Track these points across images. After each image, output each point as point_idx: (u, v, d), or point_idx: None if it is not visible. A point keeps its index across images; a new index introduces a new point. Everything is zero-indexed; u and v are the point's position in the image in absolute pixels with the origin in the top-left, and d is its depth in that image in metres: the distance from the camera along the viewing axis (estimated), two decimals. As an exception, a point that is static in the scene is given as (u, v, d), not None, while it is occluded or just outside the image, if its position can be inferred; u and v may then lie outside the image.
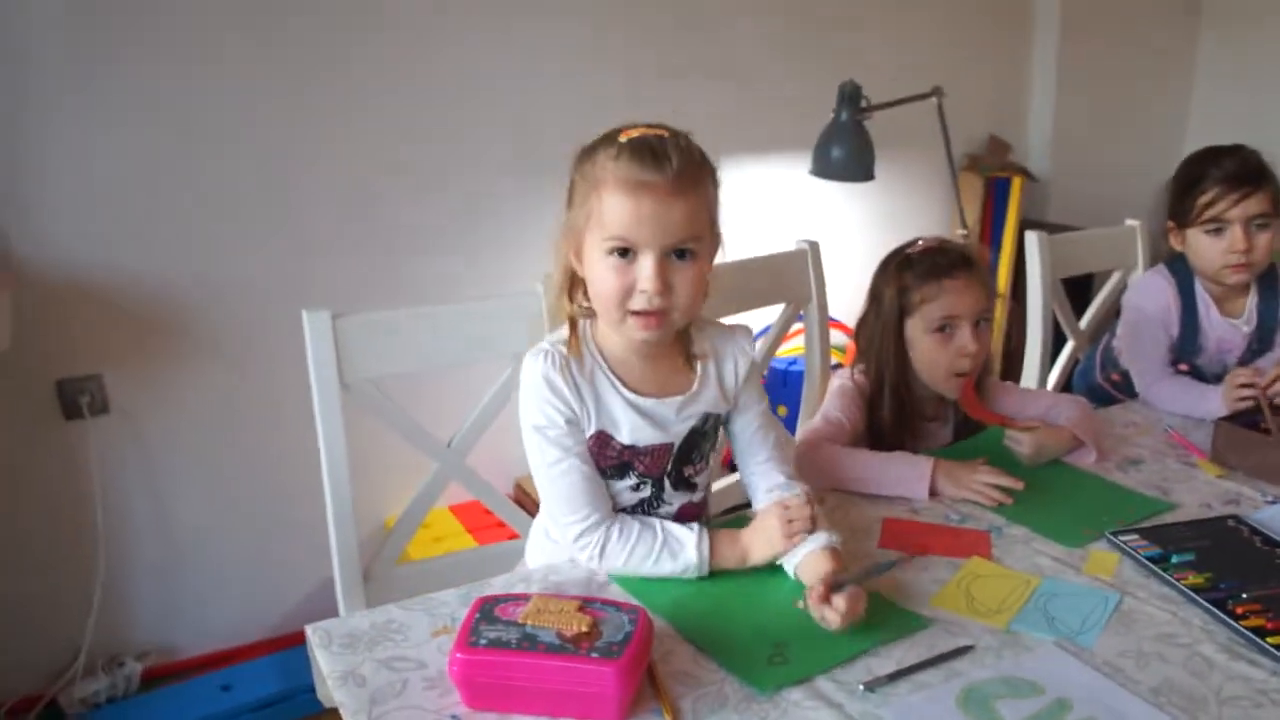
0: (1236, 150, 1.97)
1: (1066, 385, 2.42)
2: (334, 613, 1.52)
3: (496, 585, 1.31)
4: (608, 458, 1.34)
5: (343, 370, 1.56)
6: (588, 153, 1.28)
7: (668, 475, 1.39)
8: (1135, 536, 1.46)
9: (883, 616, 1.24)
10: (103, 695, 2.43)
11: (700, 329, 1.40)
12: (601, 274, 1.26)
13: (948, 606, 1.28)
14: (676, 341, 1.38)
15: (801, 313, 2.13)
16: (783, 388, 2.86)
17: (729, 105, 3.02)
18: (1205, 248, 1.98)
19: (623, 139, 1.25)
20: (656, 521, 1.33)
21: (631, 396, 1.34)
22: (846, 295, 2.60)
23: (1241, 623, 1.25)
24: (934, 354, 1.71)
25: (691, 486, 1.42)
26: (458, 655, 1.04)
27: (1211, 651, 1.20)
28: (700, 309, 1.34)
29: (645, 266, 1.24)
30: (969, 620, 1.25)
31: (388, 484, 2.22)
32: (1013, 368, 2.49)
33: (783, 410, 2.81)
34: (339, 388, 1.56)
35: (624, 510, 1.38)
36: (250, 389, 2.51)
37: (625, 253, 1.25)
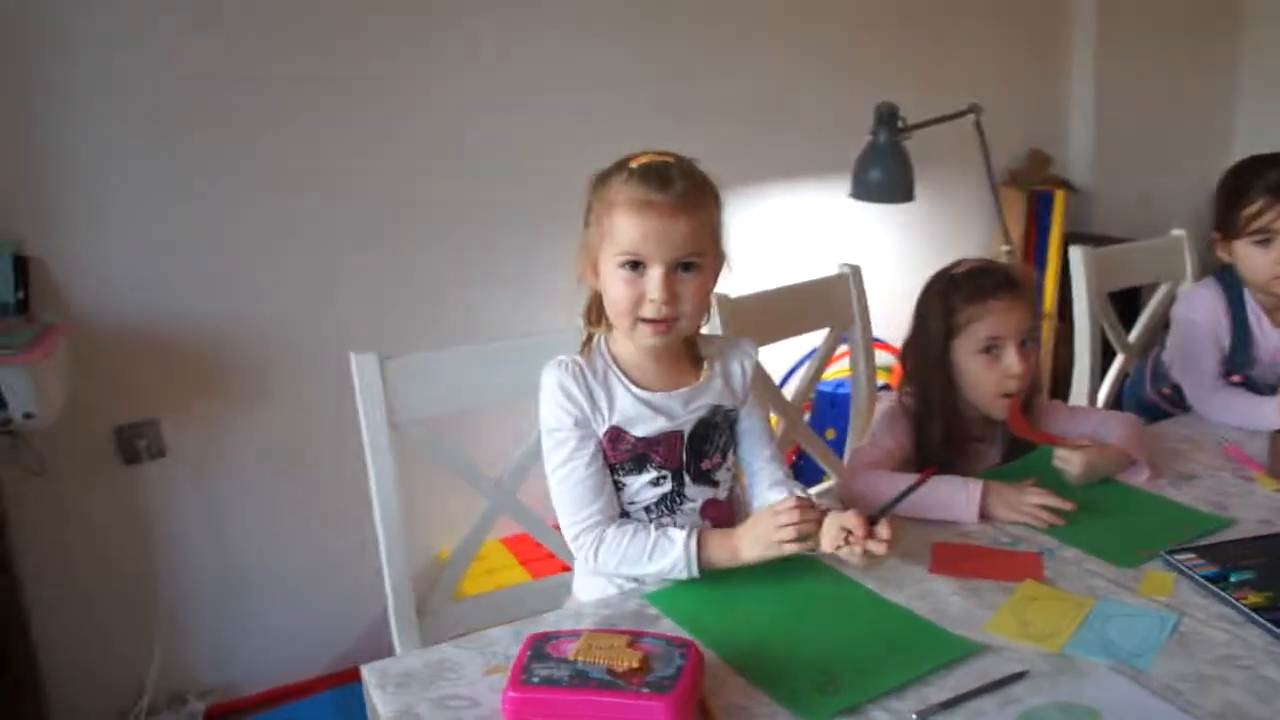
0: (1282, 159, 1.95)
1: (1117, 400, 2.39)
2: (390, 648, 1.54)
3: (548, 622, 1.32)
4: (623, 452, 1.43)
5: (391, 410, 1.58)
6: (602, 178, 1.41)
7: (686, 469, 1.45)
8: (1191, 555, 1.44)
9: (934, 642, 1.24)
10: (167, 735, 2.47)
11: (707, 340, 1.52)
12: (615, 285, 1.38)
13: (1000, 631, 1.27)
14: (684, 346, 1.49)
15: (845, 336, 2.13)
16: (830, 410, 2.85)
17: (764, 131, 3.04)
18: (1253, 259, 1.96)
19: (633, 165, 1.38)
20: (654, 526, 1.41)
21: (641, 393, 1.43)
22: (891, 315, 2.59)
23: (1305, 642, 1.23)
24: (980, 375, 1.70)
25: (713, 483, 1.48)
26: (510, 694, 1.05)
27: (1276, 673, 1.18)
28: (703, 318, 1.46)
29: (654, 278, 1.35)
30: (1023, 645, 1.24)
31: (439, 519, 2.24)
32: (1062, 385, 2.46)
33: (830, 434, 2.80)
34: (388, 428, 1.58)
35: (647, 509, 1.45)
36: (301, 430, 2.56)
37: (635, 266, 1.36)
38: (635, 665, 1.05)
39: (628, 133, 2.78)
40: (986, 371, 1.69)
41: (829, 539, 1.36)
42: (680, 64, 2.92)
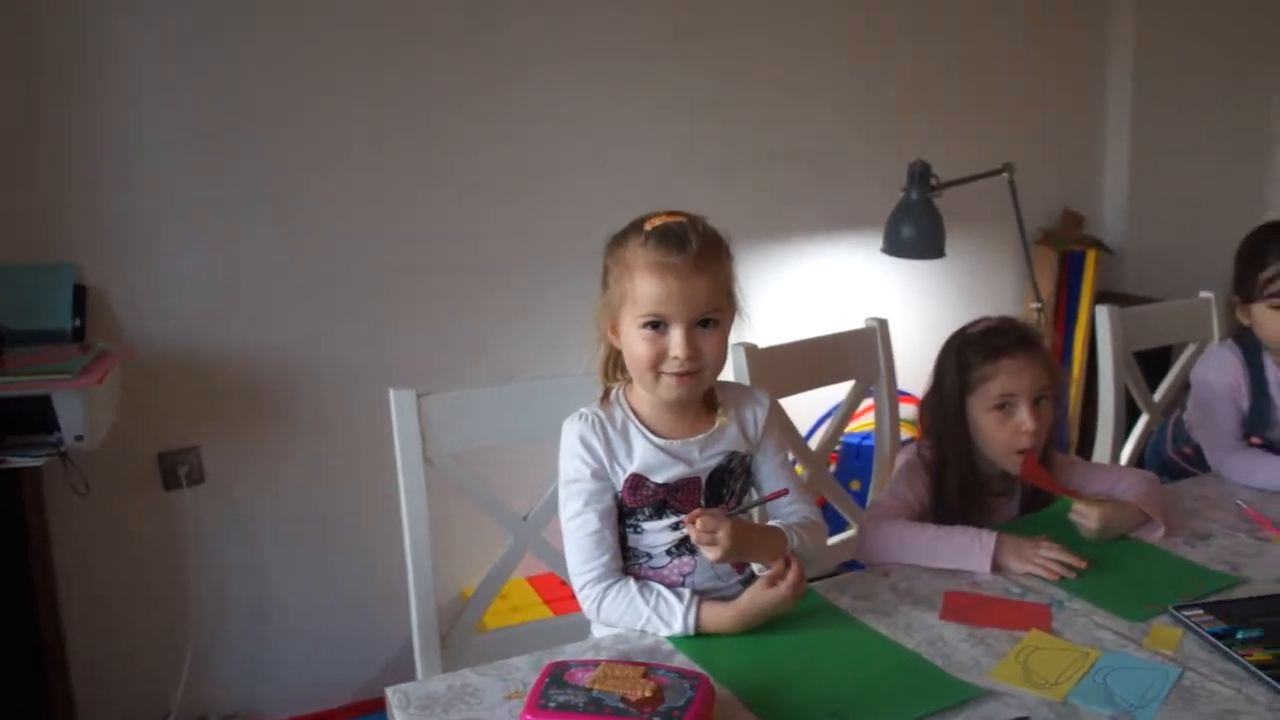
0: (1298, 224, 1.99)
1: (1140, 459, 2.42)
2: (412, 679, 1.59)
3: (568, 652, 1.37)
4: (644, 497, 1.47)
5: (426, 445, 1.64)
6: (618, 240, 1.46)
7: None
8: (1200, 611, 1.46)
9: (939, 686, 1.27)
10: (190, 755, 2.52)
11: (721, 388, 1.56)
12: (637, 344, 1.43)
13: (1005, 679, 1.30)
14: (701, 395, 1.52)
15: (871, 389, 2.17)
16: (855, 462, 2.89)
17: (801, 186, 3.13)
18: (1270, 322, 1.99)
19: (648, 227, 1.42)
20: (657, 586, 1.44)
21: (660, 441, 1.49)
22: (920, 370, 2.64)
23: (1308, 701, 1.25)
24: (994, 432, 1.74)
25: None
26: (527, 717, 1.10)
27: (1275, 729, 1.21)
28: (723, 367, 1.50)
29: (676, 336, 1.41)
30: (1026, 692, 1.27)
31: (466, 555, 2.29)
32: (1088, 442, 2.49)
33: (855, 485, 2.84)
34: (422, 462, 1.64)
35: (668, 552, 1.49)
36: (336, 461, 2.63)
37: (657, 325, 1.42)
38: (648, 695, 1.10)
39: (673, 186, 2.89)
40: (999, 428, 1.73)
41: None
42: (725, 120, 3.01)
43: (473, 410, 1.69)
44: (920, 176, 2.59)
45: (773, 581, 1.39)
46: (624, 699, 1.10)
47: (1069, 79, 3.66)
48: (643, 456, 1.47)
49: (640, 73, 2.88)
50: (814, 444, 2.21)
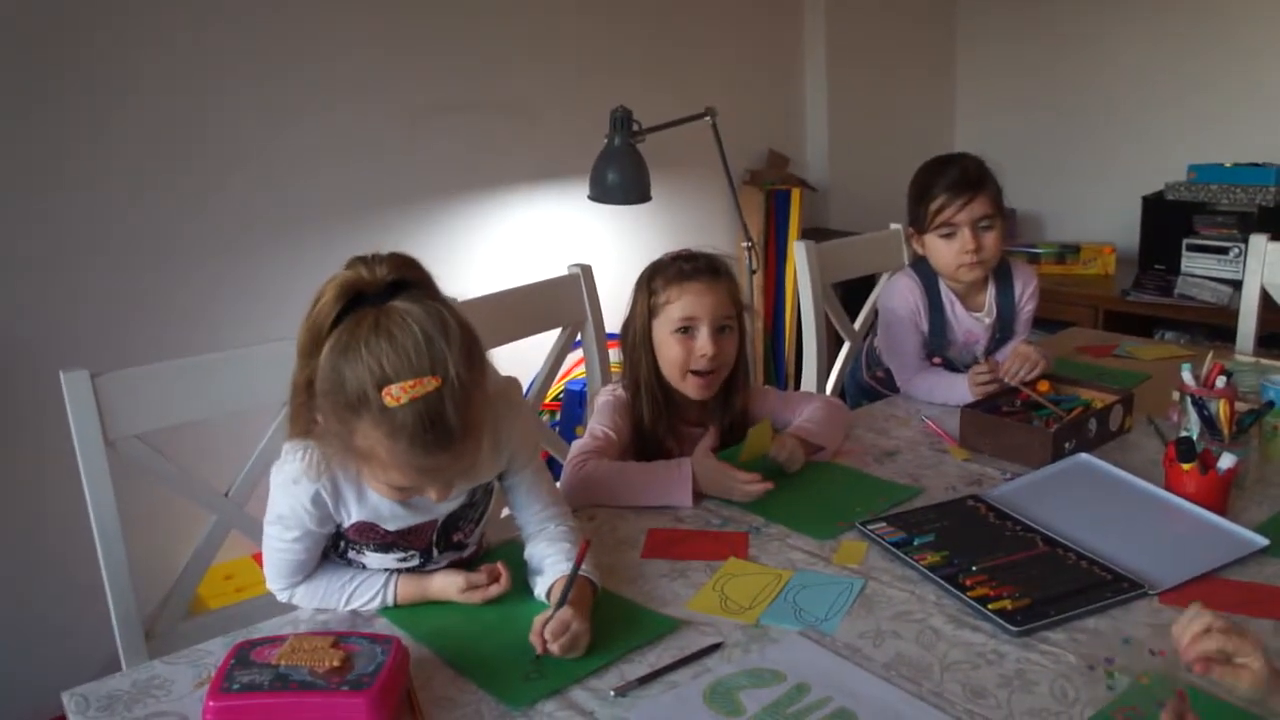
0: (959, 159, 2.12)
1: (843, 385, 2.55)
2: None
3: (264, 630, 1.32)
4: (371, 540, 1.37)
5: (106, 428, 1.54)
6: (345, 401, 1.18)
7: (435, 546, 1.42)
8: (883, 524, 1.56)
9: (637, 623, 1.31)
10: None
11: None
12: (382, 490, 1.30)
13: (702, 608, 1.35)
14: None
15: (580, 335, 2.19)
16: (579, 408, 2.92)
17: (508, 137, 3.10)
18: (941, 250, 2.13)
19: (389, 401, 1.15)
20: (348, 572, 1.38)
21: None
22: (632, 314, 2.68)
23: (969, 593, 1.36)
24: (673, 353, 1.76)
25: (461, 547, 1.46)
26: (210, 703, 1.06)
27: (941, 623, 1.31)
28: None
29: (431, 494, 1.27)
30: (721, 619, 1.33)
31: (184, 540, 2.17)
32: (797, 371, 2.60)
33: (580, 431, 2.87)
34: (103, 446, 1.53)
35: (385, 570, 1.40)
36: (15, 457, 2.41)
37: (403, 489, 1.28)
38: (336, 665, 1.08)
39: (373, 137, 2.77)
40: (679, 349, 1.76)
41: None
42: (427, 70, 2.93)
43: (156, 387, 1.59)
44: (622, 123, 2.62)
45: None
46: (312, 671, 1.07)
47: (767, 25, 3.80)
48: (375, 506, 1.33)
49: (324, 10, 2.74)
50: (533, 395, 2.21)
